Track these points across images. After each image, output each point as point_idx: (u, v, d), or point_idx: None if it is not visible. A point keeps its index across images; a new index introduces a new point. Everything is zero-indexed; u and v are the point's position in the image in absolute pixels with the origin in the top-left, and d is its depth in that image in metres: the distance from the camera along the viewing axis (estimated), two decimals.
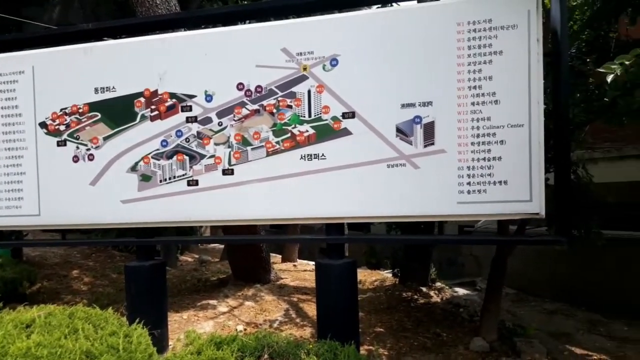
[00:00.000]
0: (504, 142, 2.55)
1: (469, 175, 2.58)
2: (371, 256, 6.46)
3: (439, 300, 5.71)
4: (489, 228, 8.44)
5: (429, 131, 2.62)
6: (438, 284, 6.50)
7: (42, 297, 4.44)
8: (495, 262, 4.29)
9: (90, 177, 3.12)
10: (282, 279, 6.07)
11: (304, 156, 2.80)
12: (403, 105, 2.65)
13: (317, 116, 2.77)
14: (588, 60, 4.32)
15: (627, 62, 2.16)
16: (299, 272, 7.59)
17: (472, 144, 2.58)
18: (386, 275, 7.35)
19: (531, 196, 2.51)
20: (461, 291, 6.56)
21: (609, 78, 2.15)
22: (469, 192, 2.58)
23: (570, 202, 2.70)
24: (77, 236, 6.68)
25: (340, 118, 2.73)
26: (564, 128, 2.61)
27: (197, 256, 8.81)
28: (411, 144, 2.64)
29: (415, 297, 5.63)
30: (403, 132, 2.65)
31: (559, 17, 2.57)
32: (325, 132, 2.76)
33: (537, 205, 2.51)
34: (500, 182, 2.55)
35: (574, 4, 3.97)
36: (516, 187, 2.53)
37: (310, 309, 4.63)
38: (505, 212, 2.58)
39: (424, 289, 6.02)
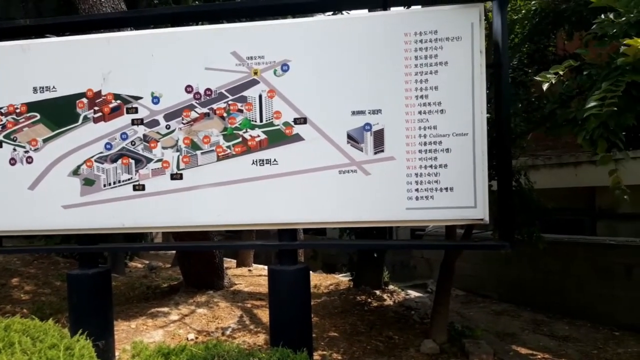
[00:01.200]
0: (450, 150, 2.63)
1: (417, 182, 2.64)
2: (314, 259, 6.50)
3: (391, 303, 5.80)
4: (439, 232, 8.67)
5: (379, 138, 2.67)
6: (391, 287, 6.61)
7: None
8: (444, 265, 4.42)
9: (29, 181, 2.97)
10: (236, 284, 5.99)
11: (256, 161, 2.78)
12: (354, 113, 2.69)
13: (268, 121, 2.76)
14: (529, 71, 4.53)
15: (561, 72, 2.29)
16: (254, 277, 7.51)
17: (420, 151, 2.64)
18: (341, 279, 7.40)
19: (476, 202, 2.60)
20: (413, 294, 6.70)
21: (545, 86, 2.27)
22: (417, 198, 2.64)
23: (512, 208, 2.82)
24: (17, 242, 6.33)
25: (292, 123, 2.74)
26: (505, 137, 2.73)
27: (147, 262, 8.55)
28: (362, 151, 2.68)
29: (369, 300, 5.70)
30: (354, 139, 2.69)
31: (500, 30, 2.69)
32: (277, 138, 2.75)
33: (481, 212, 2.60)
34: (446, 188, 2.63)
35: (515, 17, 4.15)
36: (461, 194, 2.62)
37: (265, 315, 4.59)
38: (451, 218, 2.66)
39: (378, 292, 6.10)
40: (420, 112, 2.65)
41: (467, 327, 4.57)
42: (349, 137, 2.69)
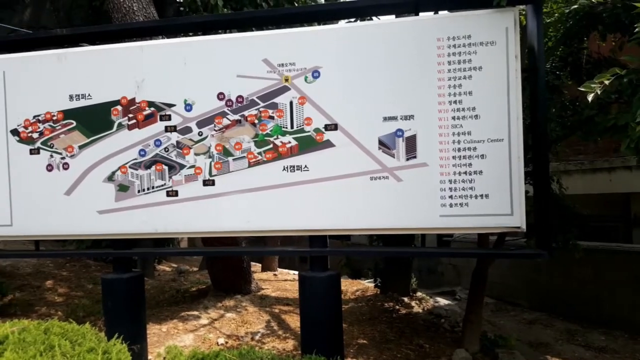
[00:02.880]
0: (485, 156, 2.58)
1: (450, 189, 2.60)
2: (347, 266, 6.42)
3: (420, 310, 5.72)
4: (467, 237, 8.54)
5: (411, 144, 2.64)
6: (419, 294, 6.52)
7: (14, 309, 4.30)
8: (476, 273, 4.33)
9: (65, 187, 3.04)
10: (263, 289, 6.01)
11: (287, 167, 2.78)
12: (385, 119, 2.67)
13: (299, 127, 2.77)
14: (561, 74, 4.42)
15: (606, 82, 2.20)
16: (280, 281, 7.52)
17: (454, 157, 2.60)
18: (367, 285, 7.34)
19: (512, 210, 2.54)
20: (442, 301, 6.59)
21: (590, 97, 2.18)
22: (451, 205, 2.60)
23: (550, 215, 2.74)
24: (52, 246, 6.49)
25: (323, 130, 2.73)
26: (542, 142, 2.66)
27: (174, 265, 8.66)
28: (394, 157, 2.65)
29: (397, 307, 5.64)
30: (385, 145, 2.66)
31: (536, 34, 2.63)
32: (308, 144, 2.75)
33: (518, 219, 2.54)
34: (481, 195, 2.58)
35: (548, 21, 4.06)
36: (497, 201, 2.56)
37: (293, 321, 4.59)
38: (486, 226, 2.61)
39: (406, 299, 6.03)
40: (454, 118, 2.61)
41: (500, 337, 4.46)
42: (381, 143, 2.67)
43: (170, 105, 2.92)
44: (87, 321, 3.94)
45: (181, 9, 7.77)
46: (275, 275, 8.45)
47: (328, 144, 2.73)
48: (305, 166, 2.76)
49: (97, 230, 3.05)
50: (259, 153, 2.83)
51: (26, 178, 3.12)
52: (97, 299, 4.99)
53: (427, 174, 2.62)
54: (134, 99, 2.95)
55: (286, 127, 2.79)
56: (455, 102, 2.61)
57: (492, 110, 2.58)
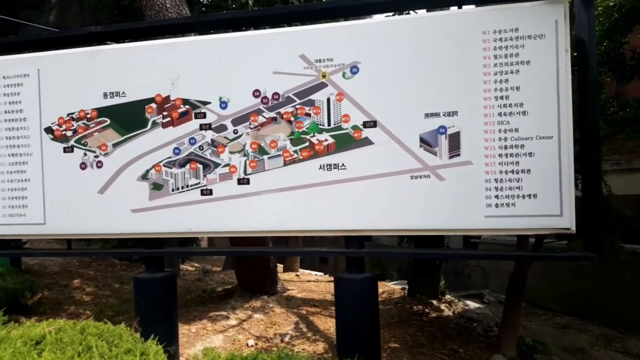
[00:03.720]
0: (533, 154, 2.49)
1: (497, 188, 2.52)
2: (376, 267, 6.32)
3: (450, 314, 5.63)
4: (496, 239, 8.39)
5: (455, 142, 2.57)
6: (447, 297, 6.42)
7: (43, 307, 4.36)
8: (514, 276, 4.22)
9: (98, 185, 3.05)
10: (288, 290, 5.99)
11: (323, 166, 2.74)
12: (427, 115, 2.60)
13: (336, 125, 2.72)
14: (602, 70, 4.29)
15: None
16: (303, 282, 7.51)
17: (500, 155, 2.52)
18: (393, 287, 7.27)
19: (561, 210, 2.46)
20: (472, 304, 6.48)
21: None
22: (497, 205, 2.52)
23: (600, 216, 2.63)
24: (75, 245, 6.54)
25: (361, 127, 2.68)
26: (593, 139, 2.56)
27: (197, 265, 8.71)
28: (436, 155, 2.58)
29: (427, 310, 5.56)
30: (427, 143, 2.60)
31: (587, 27, 2.53)
32: (346, 142, 2.70)
33: (567, 220, 2.45)
34: (529, 195, 2.49)
35: None
36: (546, 201, 2.48)
37: (321, 323, 4.55)
38: (534, 227, 2.52)
39: (435, 302, 5.94)
40: (500, 114, 2.52)
41: (539, 342, 4.35)
42: (422, 140, 2.60)
43: (205, 103, 2.90)
44: (116, 321, 3.97)
45: (204, 8, 7.81)
46: (297, 275, 8.44)
47: (366, 142, 2.68)
48: (343, 165, 2.71)
49: (131, 229, 3.05)
50: (295, 151, 2.79)
51: (59, 176, 3.13)
52: (124, 298, 5.03)
53: (471, 172, 2.54)
54: (168, 97, 2.94)
55: (323, 125, 2.74)
56: (501, 97, 2.53)
57: (540, 106, 2.49)
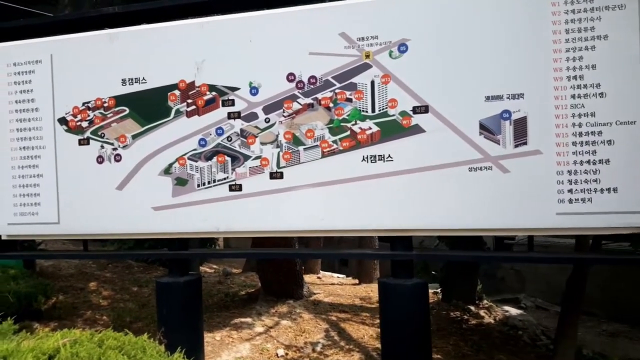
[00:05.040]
0: (613, 142, 2.22)
1: (570, 181, 2.25)
2: (423, 272, 6.02)
3: (492, 321, 5.34)
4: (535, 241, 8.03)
5: (521, 128, 2.30)
6: (485, 302, 6.13)
7: (58, 312, 4.21)
8: (573, 280, 3.92)
9: (117, 181, 2.86)
10: (315, 294, 5.77)
11: (366, 157, 2.50)
12: (488, 98, 2.34)
13: (382, 111, 2.47)
14: None
15: None
16: (327, 285, 7.29)
17: (574, 143, 2.25)
18: None
19: None
20: (512, 310, 6.18)
21: None
22: (570, 201, 2.24)
23: None
24: (91, 246, 6.41)
25: (411, 113, 2.43)
26: None
27: (215, 267, 8.55)
28: (498, 144, 2.32)
29: (465, 317, 5.28)
30: (488, 130, 2.33)
31: None
32: (392, 130, 2.46)
33: None
34: (608, 189, 2.22)
35: None
36: (628, 196, 2.21)
37: (354, 330, 4.33)
38: (614, 226, 2.24)
39: (472, 308, 5.65)
40: (573, 96, 2.25)
41: (600, 354, 4.05)
42: (482, 127, 2.34)
43: (234, 89, 2.69)
44: (135, 328, 3.78)
45: None
46: (319, 278, 8.22)
47: (417, 130, 2.43)
48: (389, 156, 2.47)
49: (152, 229, 2.85)
50: (334, 141, 2.55)
51: (74, 171, 2.96)
52: (142, 302, 4.87)
53: (540, 163, 2.27)
54: (193, 83, 2.74)
55: (366, 111, 2.50)
56: (575, 77, 2.25)
57: (621, 86, 2.21)
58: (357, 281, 7.85)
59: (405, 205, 2.46)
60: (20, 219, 3.06)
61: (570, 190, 2.24)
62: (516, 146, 2.30)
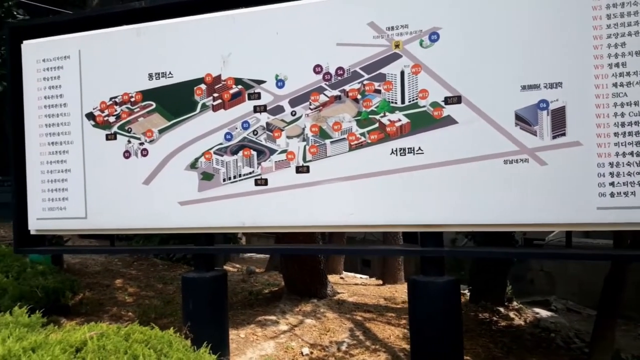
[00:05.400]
0: None
1: (612, 174, 2.15)
2: (456, 270, 5.84)
3: (522, 323, 5.21)
4: (563, 242, 7.82)
5: (559, 119, 2.21)
6: (515, 304, 5.98)
7: (85, 308, 4.27)
8: (611, 280, 3.77)
9: (143, 175, 2.87)
10: (338, 293, 5.72)
11: (396, 150, 2.44)
12: (524, 87, 2.25)
13: (412, 102, 2.41)
14: None
15: None
16: (351, 285, 7.22)
17: (616, 134, 2.15)
18: None
19: None
20: (543, 312, 6.01)
21: None
22: (612, 194, 2.14)
23: None
24: (120, 242, 6.49)
25: (442, 104, 2.36)
26: None
27: (238, 265, 8.57)
28: (535, 135, 2.24)
29: (494, 318, 5.15)
30: (524, 120, 2.25)
31: None
32: (423, 121, 2.39)
33: None
34: None
35: None
36: None
37: (379, 330, 4.26)
38: None
39: (502, 309, 5.51)
40: (615, 85, 2.15)
41: (639, 358, 3.89)
42: (518, 117, 2.26)
43: (260, 82, 2.66)
44: (160, 324, 3.79)
45: None
46: (341, 277, 8.16)
47: (449, 121, 2.35)
48: (419, 148, 2.40)
49: (178, 224, 2.84)
50: (362, 134, 2.50)
51: (102, 166, 2.98)
52: (167, 299, 4.90)
53: (580, 155, 2.18)
54: (219, 76, 2.72)
55: (396, 102, 2.44)
56: (617, 64, 2.15)
57: None
58: (381, 282, 7.77)
59: (437, 199, 2.39)
60: (48, 214, 3.10)
61: (611, 184, 2.14)
62: (554, 137, 2.21)
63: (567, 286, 8.49)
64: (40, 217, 3.11)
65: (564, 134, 2.20)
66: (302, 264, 5.20)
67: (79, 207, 3.02)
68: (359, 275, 9.32)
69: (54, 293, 3.88)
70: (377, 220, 2.52)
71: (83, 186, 3.01)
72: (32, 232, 3.17)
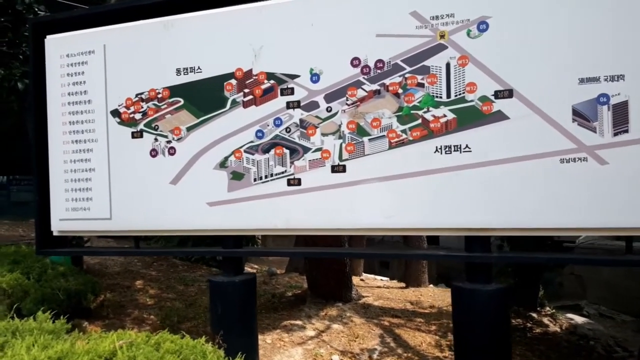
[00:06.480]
0: None
1: None
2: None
3: (558, 329, 5.02)
4: (594, 244, 7.58)
5: (621, 114, 2.06)
6: (547, 309, 5.79)
7: (106, 311, 4.21)
8: None
9: (171, 175, 2.78)
10: (363, 297, 5.59)
11: (440, 148, 2.31)
12: (582, 80, 2.11)
13: (459, 96, 2.28)
14: None
15: None
16: (373, 288, 7.09)
17: None
18: None
19: None
20: (577, 318, 5.81)
21: None
22: None
23: None
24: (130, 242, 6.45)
25: (492, 98, 2.22)
26: None
27: (257, 267, 8.49)
28: (595, 132, 2.09)
29: (528, 325, 4.98)
30: (582, 116, 2.10)
31: None
32: (471, 117, 2.26)
33: None
34: None
35: None
36: None
37: (410, 337, 4.13)
38: None
39: (535, 315, 5.34)
40: None
41: None
42: (575, 113, 2.11)
43: (293, 77, 2.55)
44: (183, 328, 3.70)
45: None
46: (361, 279, 8.02)
47: (499, 116, 2.22)
48: (467, 146, 2.27)
49: (207, 225, 2.75)
50: (403, 131, 2.37)
51: (127, 165, 2.90)
52: (189, 302, 4.82)
53: None
54: (250, 71, 2.62)
55: (440, 97, 2.31)
56: None
57: None
58: (403, 284, 7.62)
59: (485, 201, 2.25)
60: (71, 215, 3.03)
61: None
62: (615, 134, 2.06)
63: (599, 290, 8.24)
64: (63, 218, 3.04)
65: (626, 131, 2.05)
66: (328, 267, 5.08)
67: (103, 207, 2.95)
68: (379, 277, 9.17)
69: (75, 295, 3.82)
70: (419, 223, 2.39)
71: (108, 186, 2.93)
72: (54, 234, 3.10)
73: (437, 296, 6.51)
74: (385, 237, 9.89)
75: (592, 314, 7.13)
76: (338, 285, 5.21)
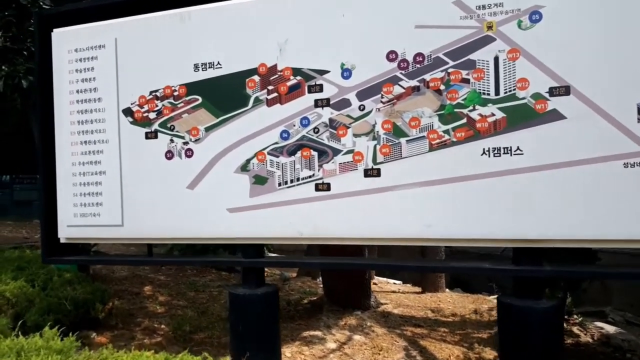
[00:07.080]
0: None
1: None
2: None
3: (589, 339, 4.82)
4: (621, 248, 7.35)
5: None
6: (575, 317, 5.58)
7: (115, 320, 4.04)
8: None
9: (188, 179, 2.61)
10: (382, 304, 5.40)
11: (488, 151, 2.12)
12: None
13: (509, 93, 2.09)
14: None
15: None
16: (388, 293, 6.90)
17: None
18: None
19: None
20: (607, 327, 5.59)
21: None
22: None
23: None
24: (138, 248, 6.31)
25: (546, 95, 2.04)
26: None
27: (267, 270, 8.33)
28: None
29: None
30: None
31: None
32: (523, 116, 2.07)
33: None
34: None
35: None
36: None
37: (436, 350, 3.94)
38: None
39: (564, 324, 5.12)
40: None
41: None
42: None
43: (322, 72, 2.37)
44: (196, 338, 3.52)
45: None
46: (375, 284, 7.82)
47: (554, 116, 2.03)
48: (518, 148, 2.08)
49: (226, 233, 2.58)
50: (446, 131, 2.19)
51: (141, 168, 2.74)
52: (201, 310, 4.65)
53: None
54: (275, 67, 2.44)
55: (488, 94, 2.12)
56: None
57: None
58: (419, 289, 7.42)
59: (537, 209, 2.06)
60: (80, 221, 2.87)
61: None
62: None
63: (624, 297, 8.00)
64: (71, 224, 2.89)
65: None
66: (347, 274, 4.90)
67: (114, 213, 2.79)
68: (392, 281, 8.97)
69: (83, 305, 3.66)
70: (461, 233, 2.20)
71: (119, 190, 2.77)
72: (61, 241, 2.94)
73: (457, 302, 6.31)
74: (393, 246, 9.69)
75: (618, 321, 6.91)
76: (357, 292, 5.02)
